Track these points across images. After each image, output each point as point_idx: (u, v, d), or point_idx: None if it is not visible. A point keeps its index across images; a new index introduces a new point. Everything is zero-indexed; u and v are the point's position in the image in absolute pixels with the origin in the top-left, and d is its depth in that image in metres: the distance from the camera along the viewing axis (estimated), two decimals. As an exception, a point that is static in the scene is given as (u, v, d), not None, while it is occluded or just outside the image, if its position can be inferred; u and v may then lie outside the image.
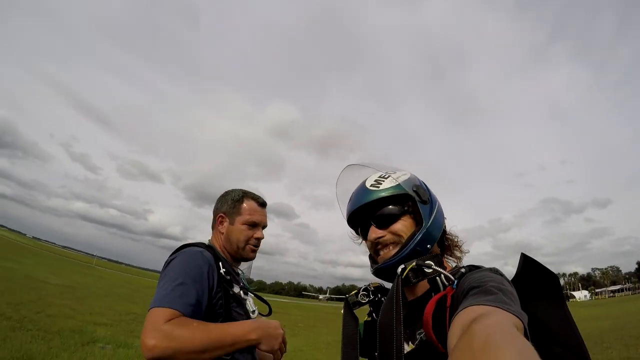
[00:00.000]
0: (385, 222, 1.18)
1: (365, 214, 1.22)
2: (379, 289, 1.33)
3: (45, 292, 11.53)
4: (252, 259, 1.79)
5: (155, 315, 1.24)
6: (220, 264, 1.54)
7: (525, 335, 0.70)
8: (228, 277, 1.54)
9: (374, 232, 1.18)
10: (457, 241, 1.24)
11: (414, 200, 1.17)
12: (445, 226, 1.23)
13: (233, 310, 1.52)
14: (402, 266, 1.05)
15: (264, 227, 1.82)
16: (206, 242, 1.74)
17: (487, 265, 1.06)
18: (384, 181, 1.21)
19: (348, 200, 1.28)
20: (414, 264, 1.04)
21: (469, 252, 1.23)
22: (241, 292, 1.59)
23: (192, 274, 1.39)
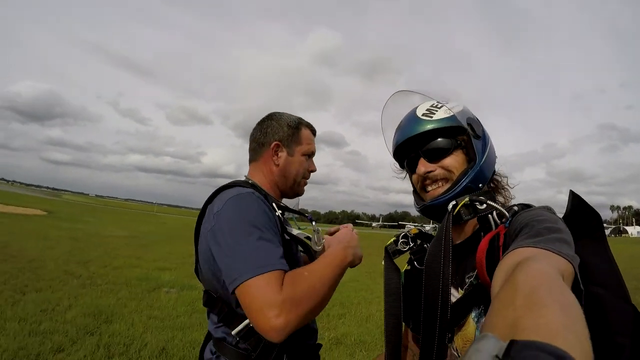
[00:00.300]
0: (436, 155, 1.09)
1: (414, 145, 1.12)
2: (419, 235, 1.26)
3: (111, 246, 12.21)
4: (303, 193, 1.56)
5: (261, 288, 0.98)
6: (274, 205, 1.28)
7: (576, 280, 0.67)
8: (281, 215, 1.30)
9: (424, 166, 1.09)
10: (506, 182, 1.15)
11: (468, 135, 1.08)
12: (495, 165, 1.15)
13: (295, 254, 1.33)
14: (454, 202, 1.00)
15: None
16: (243, 179, 1.46)
17: (538, 201, 1.00)
18: (437, 111, 1.11)
19: (395, 130, 1.19)
20: (466, 199, 0.99)
21: (514, 197, 1.14)
22: (299, 229, 1.37)
23: (263, 221, 1.13)
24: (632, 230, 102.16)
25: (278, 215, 1.24)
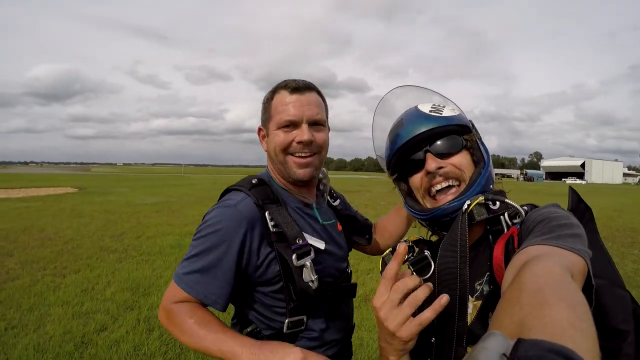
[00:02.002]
0: (445, 153, 1.01)
1: (420, 144, 1.03)
2: (419, 242, 1.13)
3: (143, 214, 12.51)
4: (303, 178, 1.24)
5: (169, 290, 1.15)
6: (266, 213, 1.13)
7: (589, 274, 0.66)
8: (278, 230, 1.13)
9: (434, 161, 1.00)
10: (500, 185, 1.08)
11: (473, 136, 1.05)
12: None
13: (298, 277, 1.12)
14: (468, 202, 0.93)
15: (317, 122, 1.23)
16: (265, 169, 1.35)
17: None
18: (443, 109, 1.06)
19: (393, 130, 1.11)
20: (481, 198, 0.93)
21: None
22: (303, 245, 1.12)
23: (213, 244, 1.10)
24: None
25: (269, 228, 1.13)
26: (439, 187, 1.01)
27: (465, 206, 0.93)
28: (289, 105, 1.19)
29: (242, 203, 1.14)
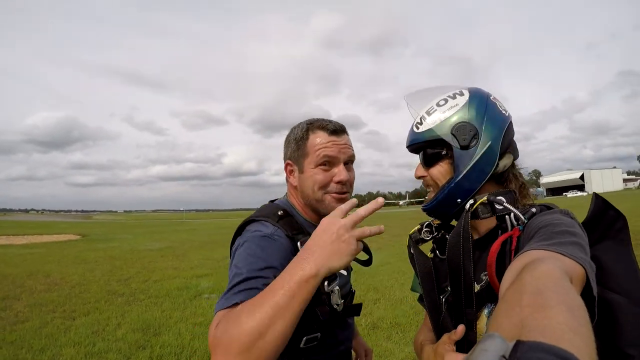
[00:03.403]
0: (427, 163, 1.15)
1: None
2: (442, 225, 1.24)
3: (148, 259, 12.51)
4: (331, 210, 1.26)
5: (213, 323, 0.95)
6: (298, 244, 1.14)
7: (588, 285, 0.65)
8: None
9: (419, 171, 1.18)
10: (525, 181, 1.13)
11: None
12: (512, 163, 1.11)
13: (328, 301, 1.09)
14: (471, 201, 1.03)
15: (349, 161, 1.31)
16: (283, 198, 1.38)
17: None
18: (427, 118, 1.12)
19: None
20: (484, 198, 1.01)
21: (536, 199, 1.14)
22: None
23: (259, 264, 1.04)
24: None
25: None
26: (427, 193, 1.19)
27: (468, 205, 1.02)
28: (325, 146, 1.25)
29: (277, 233, 1.16)
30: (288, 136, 1.36)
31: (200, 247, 16.34)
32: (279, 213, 1.23)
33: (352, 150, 1.33)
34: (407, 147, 1.19)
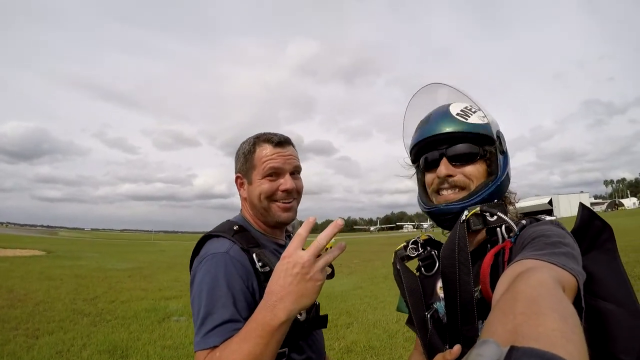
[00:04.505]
0: (460, 160, 1.08)
1: (439, 143, 1.11)
2: (429, 241, 1.26)
3: (115, 280, 12.20)
4: (286, 221, 1.36)
5: None
6: (254, 255, 1.20)
7: (579, 294, 0.66)
8: (267, 269, 1.18)
9: (447, 168, 1.08)
10: (514, 198, 1.15)
11: (495, 147, 1.09)
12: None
13: None
14: (466, 212, 1.01)
15: (295, 172, 1.38)
16: (239, 215, 1.43)
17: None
18: (471, 114, 1.10)
19: (421, 122, 1.18)
20: (477, 209, 1.00)
21: (520, 215, 1.13)
22: None
23: (222, 294, 1.11)
24: (628, 202, 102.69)
25: (257, 269, 1.19)
26: (444, 192, 1.10)
27: (464, 216, 1.00)
28: (270, 158, 1.32)
29: (233, 249, 1.20)
30: (238, 151, 1.43)
31: (169, 269, 16.03)
32: (235, 228, 1.29)
33: (298, 161, 1.40)
34: (447, 132, 1.08)
